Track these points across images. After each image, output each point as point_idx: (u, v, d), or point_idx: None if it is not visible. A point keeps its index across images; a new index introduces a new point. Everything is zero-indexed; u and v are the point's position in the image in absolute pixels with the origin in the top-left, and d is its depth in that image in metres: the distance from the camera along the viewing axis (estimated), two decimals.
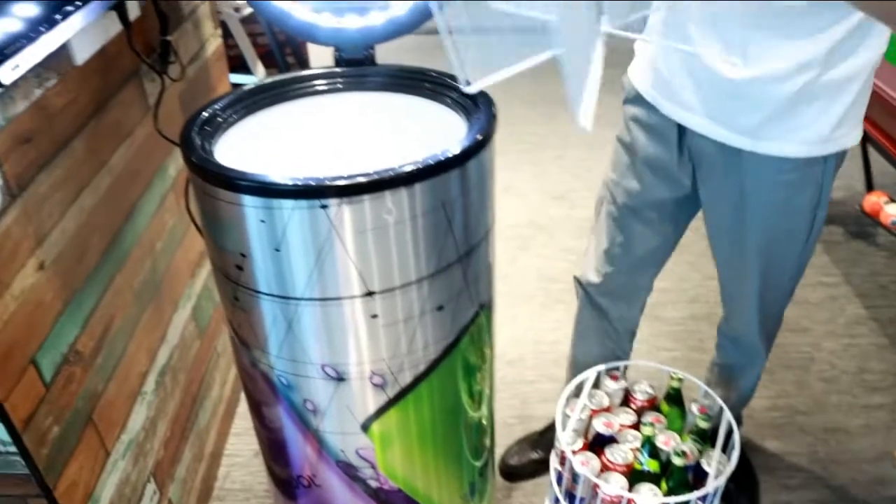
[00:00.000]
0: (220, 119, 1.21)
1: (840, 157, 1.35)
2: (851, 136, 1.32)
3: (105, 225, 1.33)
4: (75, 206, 1.23)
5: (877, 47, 1.22)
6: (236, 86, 2.21)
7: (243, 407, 2.09)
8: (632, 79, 1.48)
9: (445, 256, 1.10)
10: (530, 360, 2.27)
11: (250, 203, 1.00)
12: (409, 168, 0.99)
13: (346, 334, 1.10)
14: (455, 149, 1.04)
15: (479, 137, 1.08)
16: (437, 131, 1.21)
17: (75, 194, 1.23)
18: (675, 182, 1.47)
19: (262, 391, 1.26)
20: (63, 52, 1.18)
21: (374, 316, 1.09)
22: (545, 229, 2.88)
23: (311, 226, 1.00)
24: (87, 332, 1.27)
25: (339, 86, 1.32)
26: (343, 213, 0.99)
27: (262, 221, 1.01)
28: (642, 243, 1.59)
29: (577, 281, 1.78)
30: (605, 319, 1.74)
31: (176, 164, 1.64)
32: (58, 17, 1.05)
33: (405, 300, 1.09)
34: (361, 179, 0.98)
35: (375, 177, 0.98)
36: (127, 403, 1.42)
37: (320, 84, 1.33)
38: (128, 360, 1.41)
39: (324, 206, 0.98)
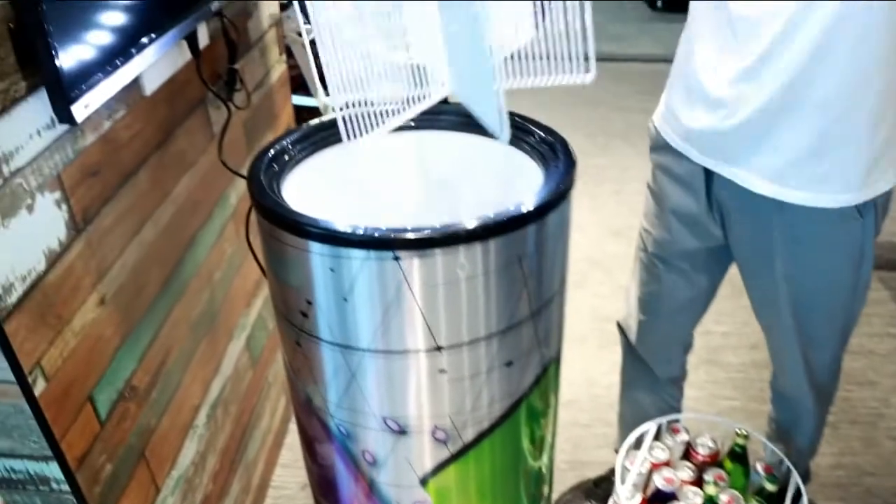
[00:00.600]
0: (288, 156, 1.18)
1: (884, 201, 1.24)
2: (888, 177, 1.22)
3: (165, 257, 1.31)
4: (137, 239, 1.21)
5: None
6: (298, 109, 2.20)
7: (291, 438, 2.06)
8: (656, 126, 1.42)
9: (518, 312, 1.05)
10: (585, 403, 2.20)
11: (320, 251, 0.96)
12: (484, 222, 0.95)
13: (411, 388, 1.05)
14: (533, 202, 0.99)
15: (559, 189, 1.03)
16: (512, 176, 1.16)
17: (137, 227, 1.21)
18: (704, 232, 1.41)
19: (317, 433, 1.22)
20: (133, 83, 1.16)
21: (442, 371, 1.04)
22: (602, 266, 2.81)
23: (381, 277, 0.96)
24: (143, 367, 1.24)
25: (411, 123, 1.28)
26: (415, 266, 0.95)
27: (332, 270, 0.97)
28: (675, 293, 1.54)
29: (619, 327, 1.74)
30: (647, 368, 1.69)
31: (237, 192, 1.61)
32: (133, 50, 1.03)
33: (473, 356, 1.04)
34: (436, 233, 0.93)
35: (450, 231, 0.94)
36: (178, 438, 1.39)
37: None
38: (181, 394, 1.38)
39: (396, 259, 0.94)
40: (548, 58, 1.04)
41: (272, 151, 1.15)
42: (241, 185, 1.63)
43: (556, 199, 1.02)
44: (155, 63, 1.14)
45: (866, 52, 1.07)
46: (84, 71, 0.92)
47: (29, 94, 0.92)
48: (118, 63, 1.00)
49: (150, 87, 1.22)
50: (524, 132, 1.20)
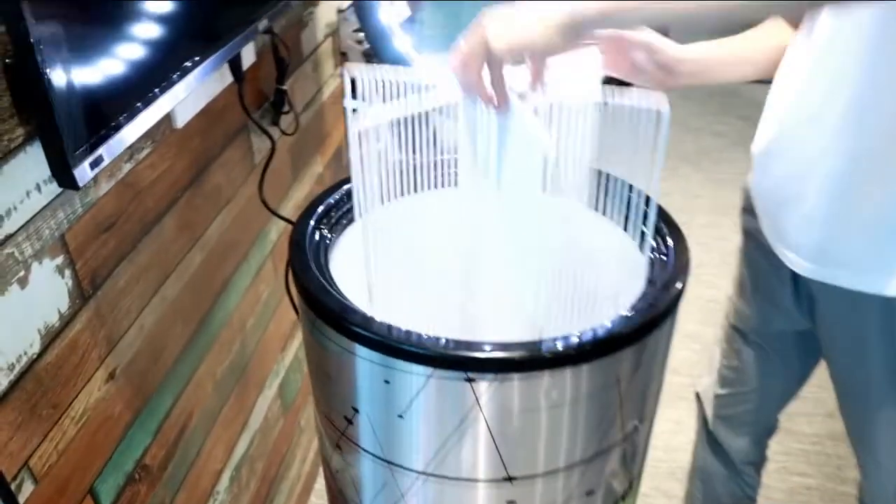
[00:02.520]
0: (341, 212, 0.98)
1: None
2: None
3: (190, 310, 1.13)
4: (158, 296, 1.03)
5: None
6: None
7: (320, 483, 1.89)
8: (749, 186, 1.21)
9: (608, 438, 0.84)
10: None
11: (372, 358, 0.77)
12: (579, 343, 0.74)
13: None
14: (640, 316, 0.79)
15: (673, 293, 0.82)
16: (603, 252, 0.95)
17: (159, 282, 1.03)
18: (788, 315, 1.20)
19: None
20: (163, 117, 0.98)
21: (511, 503, 0.84)
22: None
23: (448, 398, 0.77)
24: (158, 441, 1.07)
25: None
26: (491, 389, 0.75)
27: (386, 382, 0.78)
28: (756, 373, 1.34)
29: (697, 398, 1.54)
30: (721, 450, 1.49)
31: (278, 227, 1.43)
32: (158, 89, 0.84)
33: (549, 487, 0.85)
34: (519, 353, 0.73)
35: (537, 352, 0.74)
36: None
37: None
38: (202, 462, 1.21)
39: (469, 380, 0.74)
40: None
41: (321, 208, 0.96)
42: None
43: (668, 308, 0.81)
44: (189, 95, 0.95)
45: None
46: (95, 119, 0.74)
47: (27, 142, 0.74)
48: (141, 106, 0.81)
49: (183, 119, 1.03)
50: (624, 200, 0.99)
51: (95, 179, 0.86)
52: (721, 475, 1.53)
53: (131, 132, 0.80)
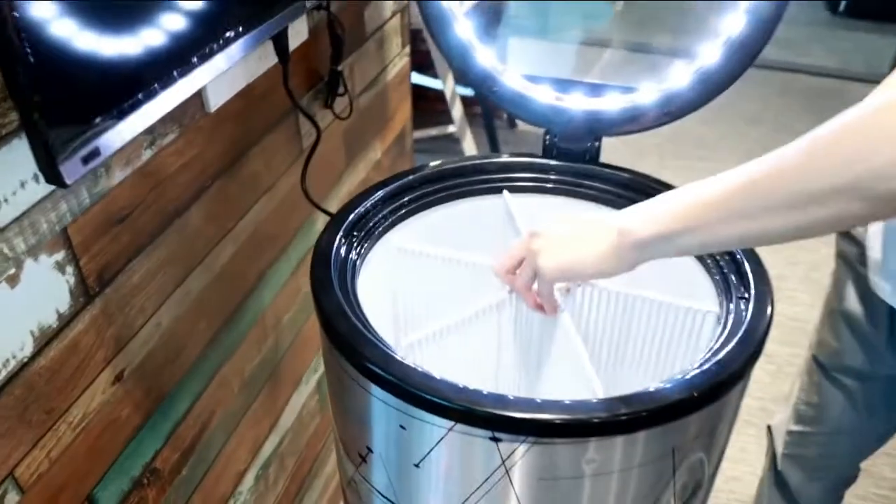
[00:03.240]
0: (374, 221, 0.88)
1: None
2: None
3: (217, 306, 1.05)
4: (179, 291, 0.96)
5: None
6: (418, 90, 1.89)
7: None
8: None
9: None
10: None
11: (387, 400, 0.67)
12: (633, 410, 0.63)
13: None
14: (710, 376, 0.66)
15: (750, 352, 0.69)
16: (674, 287, 0.83)
17: (182, 277, 0.96)
18: (881, 357, 1.05)
19: None
20: (191, 100, 0.89)
21: None
22: None
23: (471, 456, 0.66)
24: (171, 444, 1.00)
25: (548, 185, 0.96)
26: (522, 454, 0.64)
27: (402, 428, 0.68)
28: (837, 415, 1.20)
29: (769, 431, 1.40)
30: (789, 493, 1.34)
31: (324, 217, 1.34)
32: (176, 71, 0.75)
33: None
34: (556, 415, 0.62)
35: (580, 416, 0.62)
36: None
37: (520, 179, 0.98)
38: (222, 463, 1.14)
39: (495, 440, 0.63)
40: None
41: (356, 212, 0.86)
42: (332, 209, 1.35)
43: (744, 369, 0.68)
44: (222, 74, 0.86)
45: None
46: (90, 104, 0.65)
47: (23, 128, 0.66)
48: (156, 88, 0.72)
49: (217, 100, 0.94)
50: None
51: (108, 167, 0.78)
52: None
53: (140, 120, 0.71)
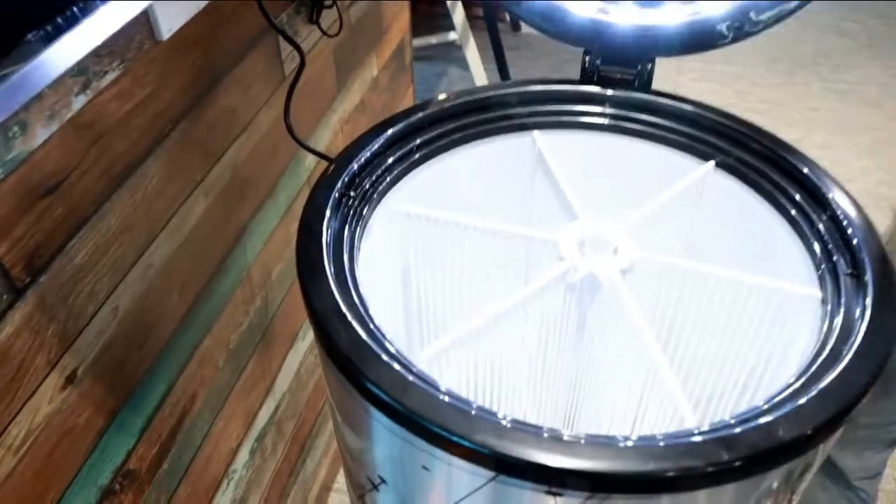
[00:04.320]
0: (376, 175, 0.70)
1: None
2: None
3: (190, 274, 0.88)
4: (140, 264, 0.78)
5: None
6: None
7: None
8: None
9: None
10: None
11: (409, 439, 0.51)
12: (720, 461, 0.46)
13: None
14: (829, 400, 0.49)
15: (879, 359, 0.52)
16: (752, 258, 0.66)
17: (141, 248, 0.78)
18: None
19: None
20: (135, 25, 0.69)
21: None
22: None
23: None
24: (146, 439, 0.85)
25: (588, 121, 0.77)
26: None
27: (426, 469, 0.52)
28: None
29: None
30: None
31: (316, 147, 1.15)
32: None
33: None
34: (646, 468, 0.45)
35: (675, 465, 0.45)
36: (204, 500, 1.01)
37: (552, 114, 0.78)
38: (210, 445, 0.99)
39: (554, 494, 0.47)
40: None
41: (346, 175, 0.67)
42: (324, 139, 1.16)
43: (870, 382, 0.51)
44: None
45: None
46: None
47: None
48: (80, 9, 0.53)
49: (170, 24, 0.74)
50: (794, 180, 0.68)
51: (22, 125, 0.59)
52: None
53: (61, 55, 0.52)
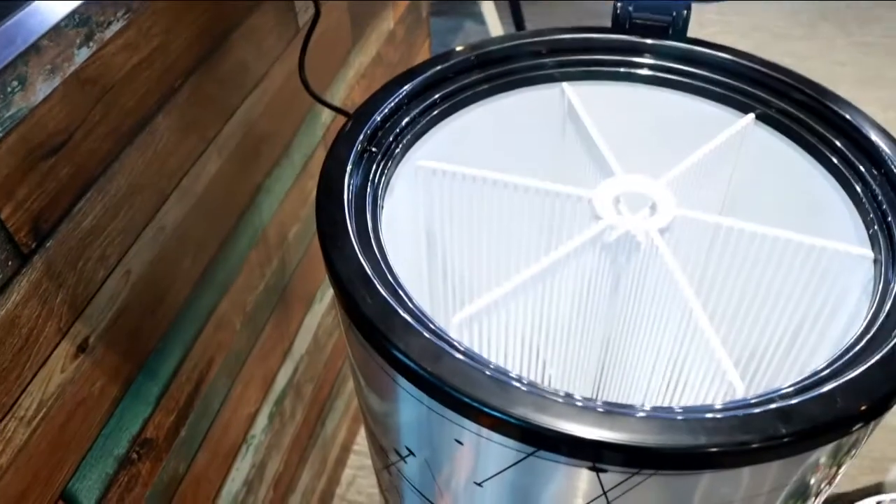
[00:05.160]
0: (398, 129, 0.66)
1: None
2: None
3: (204, 236, 0.85)
4: (151, 226, 0.75)
5: None
6: None
7: None
8: None
9: None
10: None
11: (443, 413, 0.48)
12: (771, 436, 0.43)
13: None
14: (873, 388, 0.46)
15: None
16: (794, 214, 0.62)
17: (152, 209, 0.74)
18: None
19: None
20: None
21: None
22: None
23: (563, 485, 0.47)
24: (163, 407, 0.83)
25: (621, 70, 0.73)
26: (638, 483, 0.45)
27: (458, 442, 0.49)
28: None
29: None
30: None
31: (333, 100, 1.10)
32: None
33: None
34: (697, 442, 0.42)
35: (730, 439, 0.42)
36: (224, 466, 1.00)
37: (582, 63, 0.74)
38: (229, 410, 0.97)
39: (598, 470, 0.44)
40: None
41: (367, 129, 0.63)
42: (339, 95, 1.12)
43: None
44: None
45: None
46: None
47: None
48: None
49: None
50: (838, 129, 0.64)
51: (21, 80, 0.55)
52: None
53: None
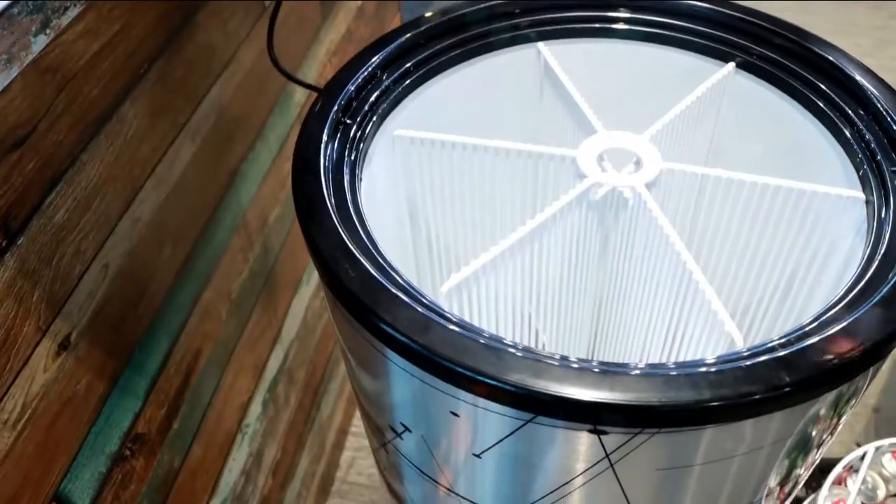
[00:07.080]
0: (372, 98, 0.64)
1: None
2: None
3: (182, 224, 0.83)
4: (127, 217, 0.73)
5: None
6: None
7: None
8: None
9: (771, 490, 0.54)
10: None
11: (435, 384, 0.46)
12: (773, 386, 0.42)
13: None
14: (875, 330, 0.45)
15: None
16: (782, 159, 0.61)
17: (127, 199, 0.72)
18: None
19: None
20: None
21: None
22: None
23: (563, 450, 0.46)
24: (153, 401, 0.81)
25: (610, 25, 0.71)
26: (640, 443, 0.44)
27: (454, 415, 0.48)
28: None
29: None
30: None
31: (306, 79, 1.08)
32: None
33: None
34: (698, 397, 0.41)
35: (722, 394, 0.41)
36: (220, 457, 0.98)
37: (557, 21, 0.72)
38: (220, 401, 0.96)
39: (599, 432, 0.43)
40: None
41: (341, 100, 0.61)
42: (312, 73, 1.10)
43: None
44: None
45: None
46: None
47: None
48: None
49: None
50: (841, 86, 0.62)
51: None
52: None
53: None
